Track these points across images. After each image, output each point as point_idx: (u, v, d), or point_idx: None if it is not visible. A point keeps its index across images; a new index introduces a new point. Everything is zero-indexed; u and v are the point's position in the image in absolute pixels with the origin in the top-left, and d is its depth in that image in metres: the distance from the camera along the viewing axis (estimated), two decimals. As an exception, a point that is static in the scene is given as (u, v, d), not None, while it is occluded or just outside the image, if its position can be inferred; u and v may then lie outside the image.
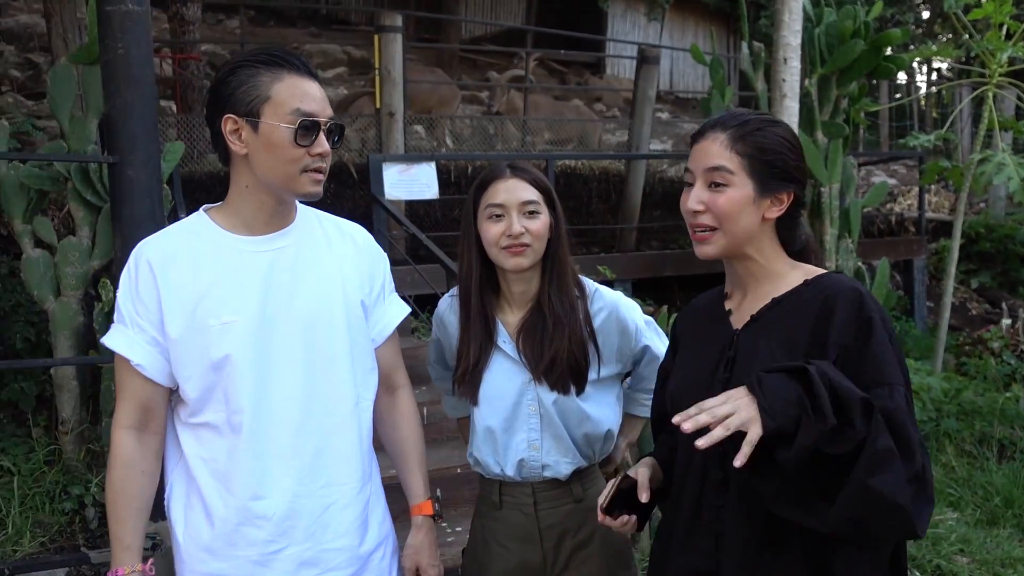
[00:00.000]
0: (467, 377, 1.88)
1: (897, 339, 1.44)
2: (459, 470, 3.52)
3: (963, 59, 6.85)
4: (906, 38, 6.55)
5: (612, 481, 1.60)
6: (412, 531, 1.89)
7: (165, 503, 1.73)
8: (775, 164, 1.50)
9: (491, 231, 1.81)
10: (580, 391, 1.86)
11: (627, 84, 13.66)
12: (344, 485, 1.72)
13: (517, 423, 1.87)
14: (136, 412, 1.66)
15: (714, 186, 1.51)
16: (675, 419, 1.30)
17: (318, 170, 1.64)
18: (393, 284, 1.92)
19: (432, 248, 4.34)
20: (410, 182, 5.32)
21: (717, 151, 1.51)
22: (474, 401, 1.89)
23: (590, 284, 1.94)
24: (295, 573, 1.67)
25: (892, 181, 11.56)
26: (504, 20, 14.52)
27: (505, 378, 1.87)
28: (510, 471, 1.88)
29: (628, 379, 2.05)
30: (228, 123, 1.61)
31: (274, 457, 1.65)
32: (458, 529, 3.17)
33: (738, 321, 1.57)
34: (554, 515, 1.89)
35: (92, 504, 3.49)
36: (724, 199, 1.50)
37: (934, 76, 15.13)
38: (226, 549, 1.65)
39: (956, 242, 6.26)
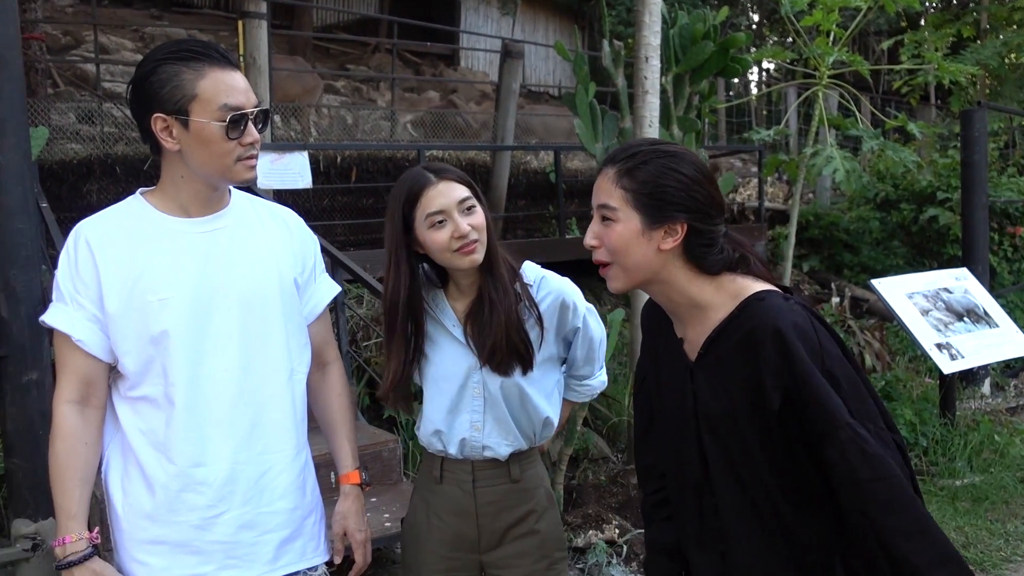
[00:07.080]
0: (394, 390, 1.92)
1: (832, 351, 1.46)
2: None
3: (790, 61, 7.46)
4: (749, 42, 7.09)
5: None
6: (340, 498, 1.97)
7: (102, 475, 1.77)
8: (658, 196, 1.48)
9: (438, 238, 1.81)
10: (526, 371, 1.90)
11: (481, 76, 13.88)
12: (279, 452, 1.80)
13: (462, 404, 1.93)
14: (78, 387, 1.71)
15: (605, 221, 1.52)
16: None
17: (250, 157, 1.72)
18: (324, 265, 2.00)
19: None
20: (282, 171, 5.27)
21: (605, 187, 1.52)
22: (407, 411, 1.94)
23: (536, 272, 1.97)
24: (235, 535, 1.74)
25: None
26: (357, 9, 14.35)
27: (452, 361, 1.92)
28: (452, 449, 1.95)
29: (563, 365, 2.10)
30: (158, 122, 1.67)
31: (212, 427, 1.72)
32: (373, 500, 3.25)
33: (691, 351, 1.58)
34: (491, 493, 1.96)
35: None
36: (612, 234, 1.51)
37: (763, 76, 16.27)
38: (167, 515, 1.71)
39: (793, 228, 6.81)
